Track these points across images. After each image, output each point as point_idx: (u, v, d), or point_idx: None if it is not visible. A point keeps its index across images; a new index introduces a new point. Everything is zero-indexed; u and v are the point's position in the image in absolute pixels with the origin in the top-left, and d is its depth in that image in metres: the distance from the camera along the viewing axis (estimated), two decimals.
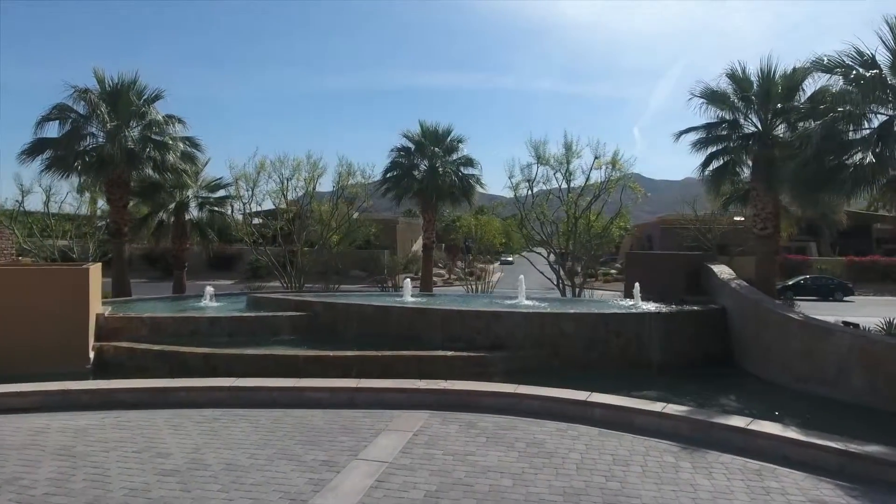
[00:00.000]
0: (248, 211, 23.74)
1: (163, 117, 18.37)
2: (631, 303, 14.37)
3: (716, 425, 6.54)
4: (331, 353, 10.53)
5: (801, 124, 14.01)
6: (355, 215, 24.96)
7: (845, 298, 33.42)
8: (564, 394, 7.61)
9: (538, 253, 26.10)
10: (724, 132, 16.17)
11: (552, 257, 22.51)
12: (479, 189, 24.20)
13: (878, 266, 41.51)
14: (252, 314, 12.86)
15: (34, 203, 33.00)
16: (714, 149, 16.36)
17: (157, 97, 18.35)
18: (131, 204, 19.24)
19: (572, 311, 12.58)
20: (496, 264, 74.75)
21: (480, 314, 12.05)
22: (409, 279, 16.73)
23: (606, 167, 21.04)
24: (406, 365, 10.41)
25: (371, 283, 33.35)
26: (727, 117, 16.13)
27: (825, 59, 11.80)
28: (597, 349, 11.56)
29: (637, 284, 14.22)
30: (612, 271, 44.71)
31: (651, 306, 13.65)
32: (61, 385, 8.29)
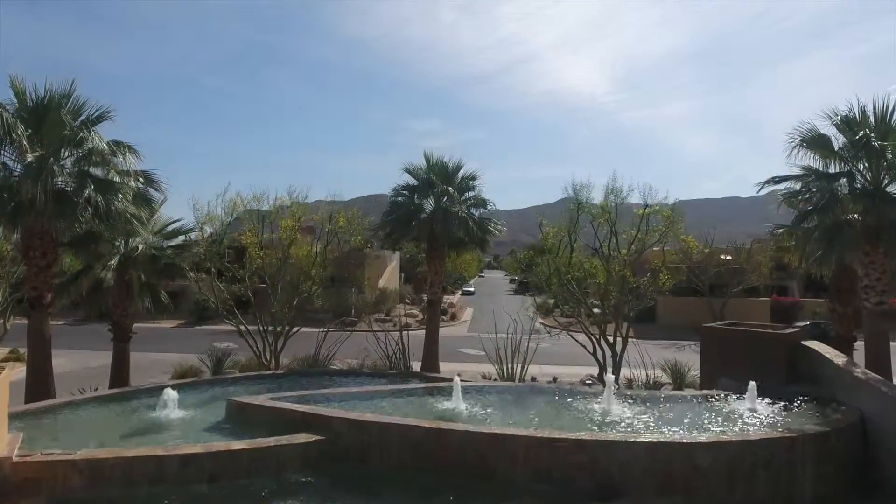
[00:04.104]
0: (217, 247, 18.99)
1: (108, 144, 13.17)
2: (746, 405, 11.09)
3: None
4: None
5: None
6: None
7: None
8: None
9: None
10: (826, 184, 13.39)
11: (593, 322, 19.00)
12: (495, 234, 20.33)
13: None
14: (242, 445, 8.40)
15: None
16: (812, 204, 13.53)
17: (99, 118, 13.27)
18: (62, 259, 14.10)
19: (705, 438, 9.18)
20: (458, 294, 71.49)
21: (582, 444, 8.38)
22: (458, 376, 12.71)
23: (649, 216, 17.89)
24: None
25: (337, 324, 29.49)
26: (831, 169, 13.42)
27: None
28: (740, 488, 8.37)
29: (753, 384, 11.08)
30: None
31: (765, 407, 10.52)
32: None
